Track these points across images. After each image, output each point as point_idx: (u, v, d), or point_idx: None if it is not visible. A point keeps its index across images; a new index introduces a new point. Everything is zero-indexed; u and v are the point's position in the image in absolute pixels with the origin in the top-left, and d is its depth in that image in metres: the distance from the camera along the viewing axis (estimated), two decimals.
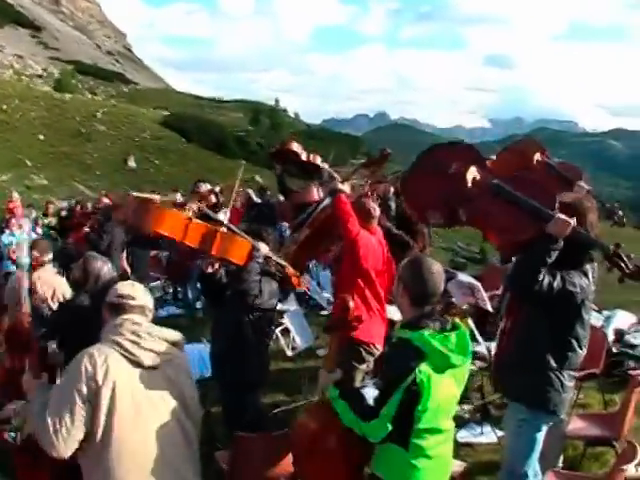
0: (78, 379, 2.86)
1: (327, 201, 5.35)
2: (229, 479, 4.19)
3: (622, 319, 7.97)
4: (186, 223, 4.50)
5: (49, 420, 2.82)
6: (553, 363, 3.69)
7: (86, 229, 10.33)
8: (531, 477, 3.79)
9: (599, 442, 4.77)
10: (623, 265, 3.64)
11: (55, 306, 5.75)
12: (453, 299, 6.60)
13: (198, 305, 10.72)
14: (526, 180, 3.97)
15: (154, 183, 40.56)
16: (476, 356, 5.79)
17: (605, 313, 8.14)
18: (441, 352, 2.87)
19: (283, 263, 5.17)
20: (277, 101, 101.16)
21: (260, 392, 5.36)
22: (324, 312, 8.78)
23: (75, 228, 15.10)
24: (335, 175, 5.90)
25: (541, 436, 3.77)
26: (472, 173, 4.00)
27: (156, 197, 5.54)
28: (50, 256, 6.54)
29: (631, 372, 6.34)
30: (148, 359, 3.01)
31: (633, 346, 7.14)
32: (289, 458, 3.61)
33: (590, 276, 3.72)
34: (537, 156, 5.46)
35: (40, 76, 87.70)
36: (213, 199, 10.77)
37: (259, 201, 13.36)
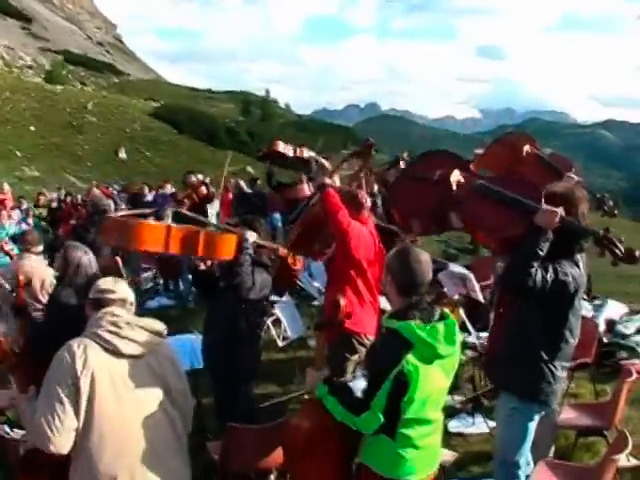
0: (60, 371, 2.89)
1: (318, 196, 5.33)
2: (220, 470, 4.18)
3: (613, 309, 7.94)
4: (166, 232, 4.39)
5: (41, 415, 2.83)
6: (545, 356, 3.67)
7: (73, 221, 10.25)
8: (523, 466, 3.79)
9: (591, 432, 4.77)
10: (614, 248, 3.62)
11: (44, 299, 5.73)
12: (444, 289, 6.60)
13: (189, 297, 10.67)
14: (512, 176, 3.99)
15: (145, 174, 40.52)
16: (467, 346, 5.79)
17: (596, 302, 8.14)
18: (428, 342, 2.85)
19: (274, 246, 5.15)
20: (268, 92, 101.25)
21: (253, 384, 5.34)
22: (315, 302, 8.76)
23: (64, 220, 15.05)
24: (325, 164, 5.87)
25: (533, 425, 3.76)
26: (456, 177, 4.04)
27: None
28: (41, 247, 6.59)
29: (622, 362, 6.36)
30: (127, 348, 3.01)
31: (624, 336, 7.14)
32: (280, 450, 3.60)
33: (581, 266, 3.70)
34: (527, 148, 5.46)
35: (30, 67, 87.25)
36: (204, 190, 10.75)
37: (250, 191, 13.37)
